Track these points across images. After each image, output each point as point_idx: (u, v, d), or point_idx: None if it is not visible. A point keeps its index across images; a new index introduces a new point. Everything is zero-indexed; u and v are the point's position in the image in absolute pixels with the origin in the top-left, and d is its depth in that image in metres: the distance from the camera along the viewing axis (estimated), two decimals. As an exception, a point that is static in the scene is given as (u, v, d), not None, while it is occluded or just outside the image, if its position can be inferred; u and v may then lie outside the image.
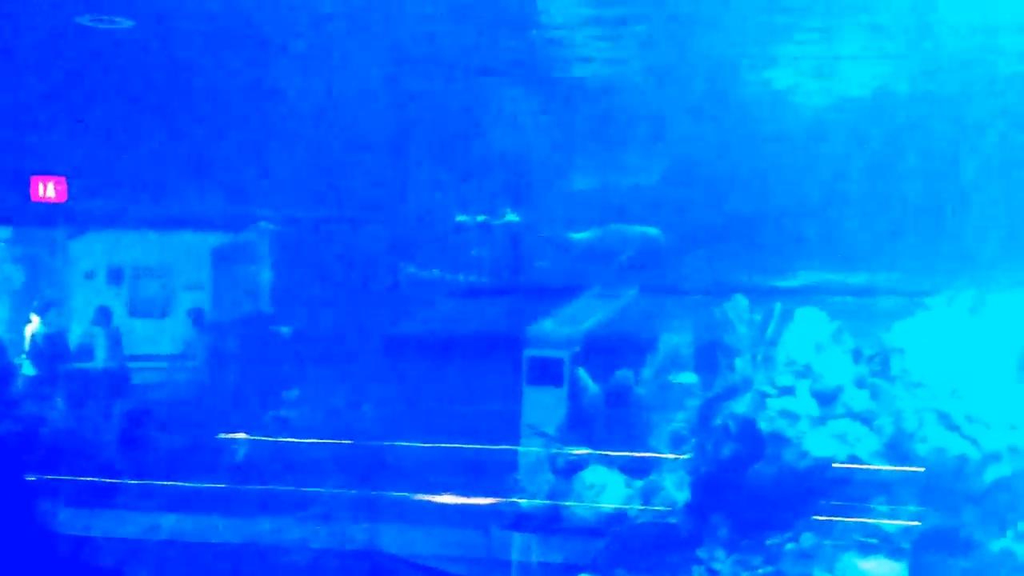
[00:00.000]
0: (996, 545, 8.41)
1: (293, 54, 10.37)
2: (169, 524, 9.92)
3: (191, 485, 10.00)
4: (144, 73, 10.54)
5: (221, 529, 9.92)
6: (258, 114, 10.90)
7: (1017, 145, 9.73)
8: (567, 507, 9.31)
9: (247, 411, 11.01)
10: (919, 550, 8.50)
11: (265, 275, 11.74)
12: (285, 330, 11.51)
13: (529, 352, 10.31)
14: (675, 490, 9.18)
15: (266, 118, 10.93)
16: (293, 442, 10.49)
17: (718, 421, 9.04)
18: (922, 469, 8.46)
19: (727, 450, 8.94)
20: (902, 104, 9.86)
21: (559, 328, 10.62)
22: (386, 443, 10.24)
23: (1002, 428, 8.42)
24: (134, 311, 12.13)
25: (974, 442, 8.40)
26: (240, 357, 11.57)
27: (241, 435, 10.51)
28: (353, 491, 10.11)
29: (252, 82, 10.74)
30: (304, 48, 10.27)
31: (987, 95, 9.45)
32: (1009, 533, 8.45)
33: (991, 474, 8.38)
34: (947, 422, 8.48)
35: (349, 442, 10.31)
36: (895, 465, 8.59)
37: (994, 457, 8.39)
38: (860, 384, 8.94)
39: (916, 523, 8.41)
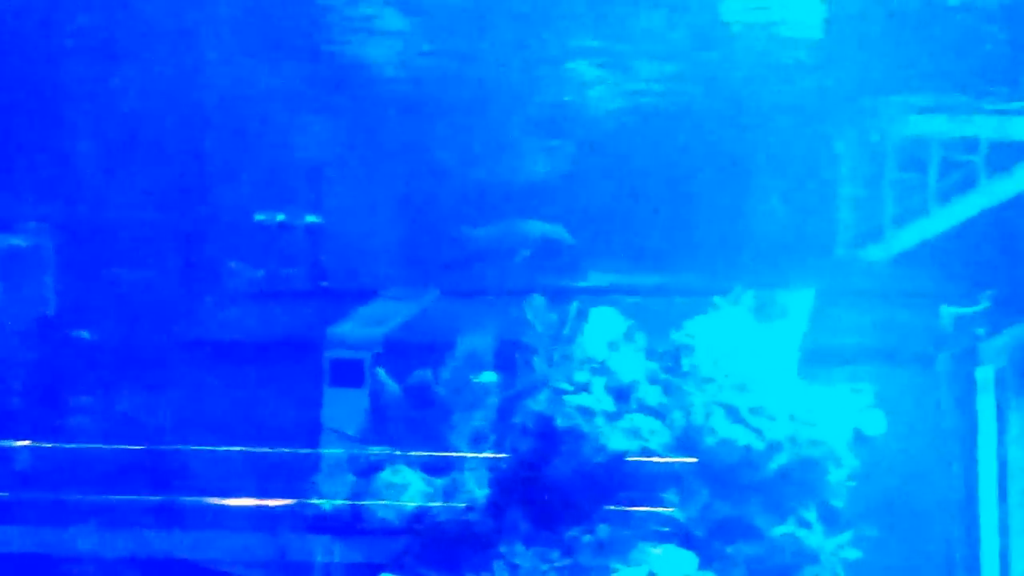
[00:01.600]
0: (779, 531, 8.80)
1: (71, 48, 10.12)
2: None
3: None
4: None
5: (8, 540, 9.64)
6: (46, 111, 10.58)
7: (801, 150, 10.24)
8: (368, 507, 9.33)
9: (34, 419, 10.69)
10: (709, 537, 8.84)
11: (53, 279, 11.39)
12: (76, 335, 11.20)
13: (330, 353, 10.37)
14: (476, 487, 9.33)
15: (54, 115, 10.63)
16: (85, 449, 10.24)
17: (517, 419, 9.20)
18: (711, 460, 8.78)
19: (525, 446, 9.10)
20: (692, 106, 10.21)
21: (360, 329, 10.65)
22: (184, 448, 10.11)
23: (784, 420, 8.81)
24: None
25: (758, 433, 8.77)
26: (26, 364, 11.21)
27: (25, 442, 10.20)
28: (149, 497, 9.95)
29: (32, 79, 10.43)
30: (84, 41, 10.04)
31: (773, 97, 9.90)
32: (791, 519, 8.85)
33: (774, 463, 8.76)
34: (734, 415, 8.82)
35: (142, 447, 10.15)
36: (686, 457, 8.90)
37: (777, 447, 8.77)
38: (653, 380, 9.20)
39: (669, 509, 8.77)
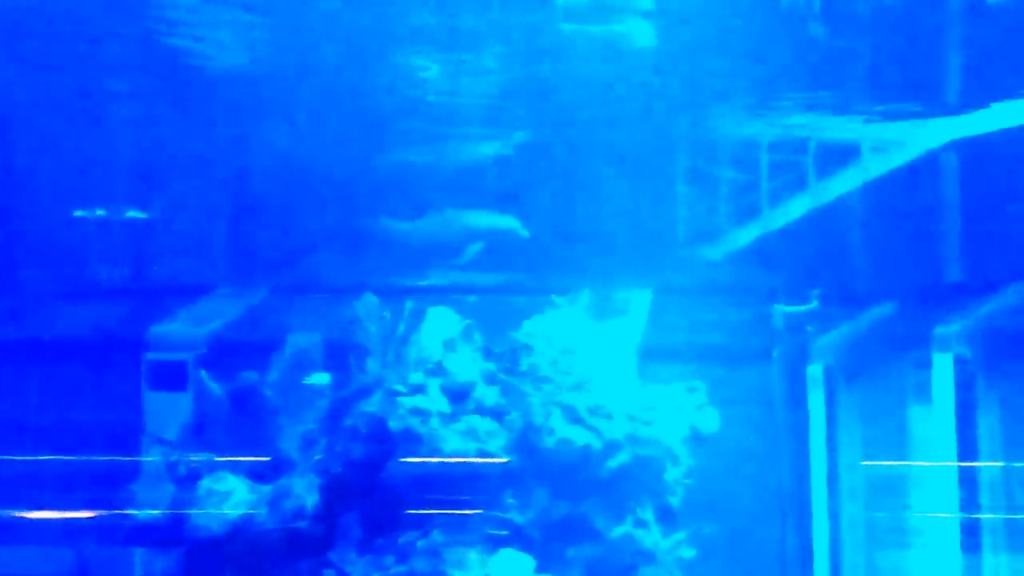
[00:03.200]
0: (617, 531, 8.79)
1: None
2: None
3: None
4: None
5: None
6: None
7: (638, 149, 10.33)
8: (189, 517, 9.00)
9: None
10: (547, 540, 8.77)
11: None
12: None
13: (150, 355, 10.00)
14: (305, 493, 9.10)
15: None
16: None
17: (348, 421, 8.99)
18: (549, 461, 8.70)
19: (358, 450, 8.92)
20: (529, 103, 10.17)
21: (184, 329, 10.28)
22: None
23: (622, 419, 8.82)
24: None
25: (597, 433, 8.76)
26: None
27: None
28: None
29: None
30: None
31: (610, 96, 9.96)
32: (629, 519, 8.86)
33: (612, 463, 8.76)
34: (572, 415, 8.79)
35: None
36: (524, 458, 8.80)
37: (615, 447, 8.77)
38: (490, 381, 9.12)
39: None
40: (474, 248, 10.24)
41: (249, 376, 9.51)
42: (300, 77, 9.64)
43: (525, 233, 10.35)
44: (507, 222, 10.42)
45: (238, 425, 9.46)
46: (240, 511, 8.96)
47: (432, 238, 10.33)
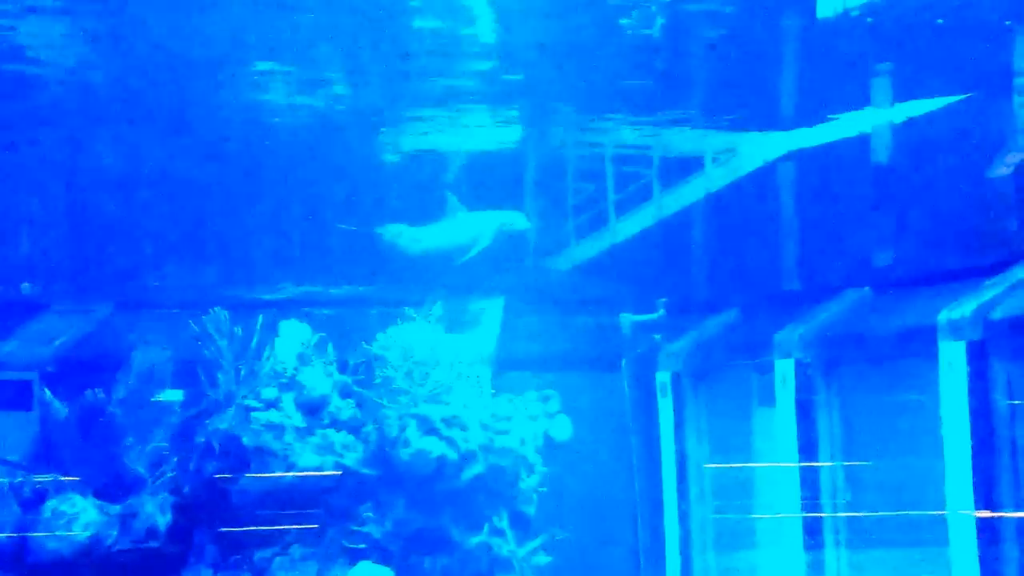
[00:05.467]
0: (473, 540, 8.87)
1: None
2: None
3: None
4: None
5: None
6: None
7: (485, 166, 10.38)
8: (36, 539, 8.78)
9: None
10: (404, 552, 8.82)
11: None
12: None
13: (-7, 375, 9.72)
14: (156, 512, 8.95)
15: None
16: None
17: (200, 438, 8.93)
18: (405, 473, 8.74)
19: (211, 467, 8.86)
20: (349, 122, 10.16)
21: (27, 347, 9.98)
22: None
23: (476, 429, 8.91)
24: None
25: (452, 444, 8.81)
26: None
27: None
28: None
29: None
30: None
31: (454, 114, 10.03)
32: (485, 528, 8.94)
33: (468, 473, 8.83)
34: (427, 426, 8.82)
35: None
36: (380, 471, 8.83)
37: (470, 457, 8.84)
38: (345, 393, 9.14)
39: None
40: (482, 244, 10.03)
41: (96, 394, 9.29)
42: (141, 88, 9.41)
43: (527, 224, 10.25)
44: (516, 221, 10.26)
45: (85, 444, 9.25)
46: (89, 532, 8.82)
47: (441, 240, 10.16)
